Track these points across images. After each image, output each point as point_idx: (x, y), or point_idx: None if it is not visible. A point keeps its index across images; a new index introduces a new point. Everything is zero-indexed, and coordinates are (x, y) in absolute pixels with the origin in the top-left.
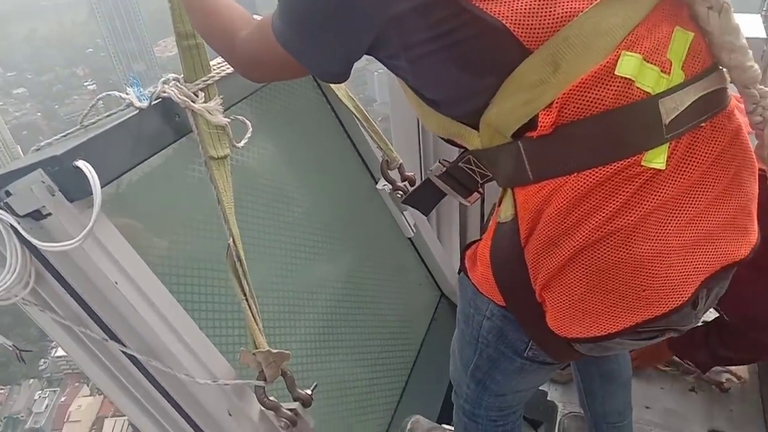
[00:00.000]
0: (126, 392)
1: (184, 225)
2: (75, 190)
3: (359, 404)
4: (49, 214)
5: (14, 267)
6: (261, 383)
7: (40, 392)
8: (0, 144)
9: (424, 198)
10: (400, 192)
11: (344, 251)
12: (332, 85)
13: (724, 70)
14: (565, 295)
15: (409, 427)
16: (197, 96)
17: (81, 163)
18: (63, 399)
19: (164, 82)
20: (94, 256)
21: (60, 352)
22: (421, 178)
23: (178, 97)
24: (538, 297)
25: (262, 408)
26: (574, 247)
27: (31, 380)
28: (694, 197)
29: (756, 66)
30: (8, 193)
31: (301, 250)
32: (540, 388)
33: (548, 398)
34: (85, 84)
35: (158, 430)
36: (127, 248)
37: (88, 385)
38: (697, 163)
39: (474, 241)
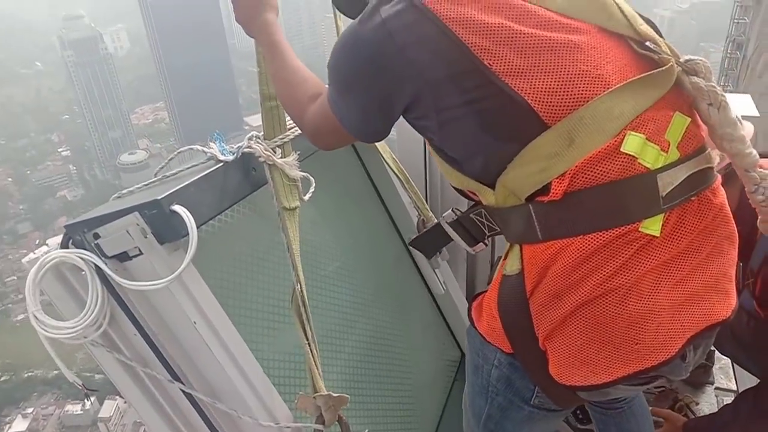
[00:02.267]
0: None
1: (248, 271)
2: (166, 233)
3: None
4: (136, 255)
5: (93, 308)
6: (320, 427)
7: None
8: None
9: (431, 242)
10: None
11: (372, 307)
12: (379, 148)
13: (714, 152)
14: (566, 345)
15: None
16: (275, 152)
17: (178, 208)
18: None
19: (249, 138)
20: (178, 295)
21: (15, 428)
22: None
23: (263, 153)
24: (542, 346)
25: None
26: (576, 301)
27: None
28: (682, 262)
29: (754, 152)
30: (97, 236)
31: (333, 304)
32: None
33: None
34: (60, 150)
35: None
36: (206, 290)
37: None
38: (686, 232)
39: (479, 293)
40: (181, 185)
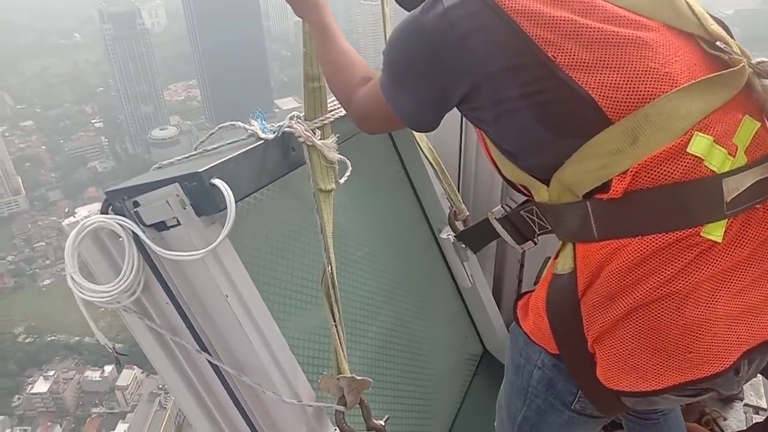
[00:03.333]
0: (202, 406)
1: (281, 250)
2: (205, 206)
3: None
4: (174, 225)
5: (128, 274)
6: (342, 408)
7: (9, 431)
8: (1, 174)
9: (478, 237)
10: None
11: (397, 296)
12: (416, 136)
13: None
14: (616, 349)
15: None
16: (314, 133)
17: (218, 182)
18: None
19: (290, 118)
20: (212, 268)
21: (36, 389)
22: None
23: (303, 133)
24: (590, 348)
25: None
26: (630, 304)
27: (2, 417)
28: (742, 271)
29: None
30: (137, 204)
31: (359, 288)
32: None
33: None
34: (93, 121)
35: None
36: (240, 265)
37: (60, 425)
38: (749, 240)
39: (526, 293)
40: (222, 160)
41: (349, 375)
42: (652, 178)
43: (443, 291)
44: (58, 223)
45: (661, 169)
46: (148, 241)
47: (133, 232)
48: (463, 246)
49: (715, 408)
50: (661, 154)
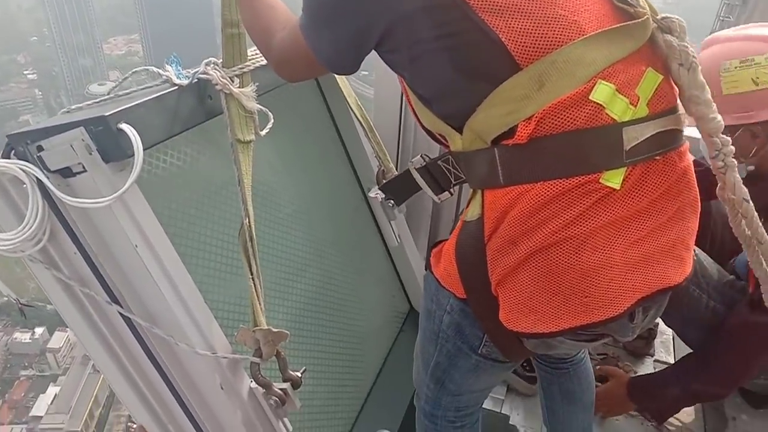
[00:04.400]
0: (115, 359)
1: (197, 202)
2: (112, 151)
3: (324, 404)
4: (80, 172)
5: (32, 222)
6: (257, 360)
7: None
8: None
9: (400, 188)
10: (392, 201)
11: (325, 254)
12: (345, 93)
13: (683, 114)
14: (516, 292)
15: None
16: (233, 81)
17: (125, 126)
18: None
19: (206, 64)
20: (120, 216)
21: None
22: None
23: (219, 80)
24: (494, 291)
25: (252, 385)
26: (530, 248)
27: None
28: (640, 221)
29: (719, 117)
30: (40, 148)
31: (284, 247)
32: (503, 411)
33: (510, 422)
34: (25, 72)
35: (140, 400)
36: (150, 214)
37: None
38: (648, 190)
39: (440, 241)
40: (131, 104)
41: (266, 327)
42: (556, 124)
43: (372, 250)
44: None
45: (565, 115)
46: (52, 187)
47: (36, 177)
48: (390, 204)
49: (627, 362)
50: (565, 100)
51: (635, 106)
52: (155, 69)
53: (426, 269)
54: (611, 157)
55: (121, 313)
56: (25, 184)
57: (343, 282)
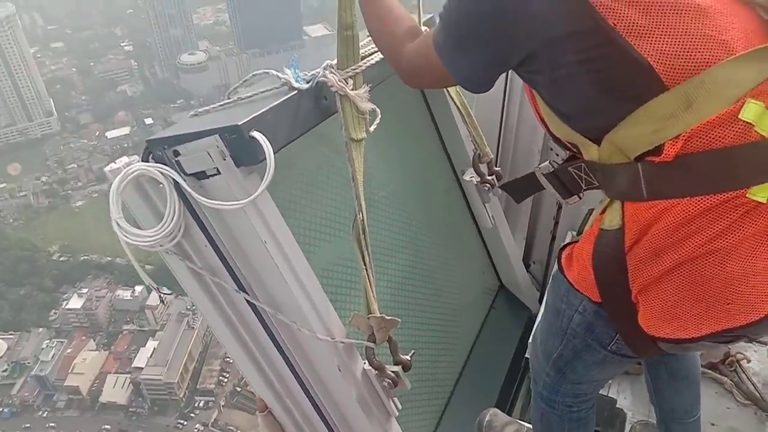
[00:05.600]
0: (241, 343)
1: (314, 198)
2: (244, 157)
3: (422, 378)
4: (214, 175)
5: (170, 220)
6: (372, 344)
7: (47, 342)
8: (34, 95)
9: (522, 188)
10: (487, 185)
11: (418, 234)
12: None
13: None
14: (660, 300)
15: (487, 419)
16: (347, 82)
17: (257, 134)
18: (69, 351)
19: (324, 68)
20: (252, 216)
21: (71, 305)
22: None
23: (337, 83)
24: (634, 298)
25: (366, 367)
26: (676, 260)
27: (41, 329)
28: None
29: None
30: (177, 153)
31: (382, 227)
32: (610, 395)
33: (617, 406)
34: (122, 44)
35: (262, 378)
36: (277, 213)
37: (94, 340)
38: None
39: (569, 243)
40: (260, 111)
41: (379, 315)
42: (704, 143)
43: (464, 230)
44: (89, 146)
45: (713, 134)
46: (189, 189)
47: (174, 180)
48: (486, 188)
49: (739, 350)
50: (713, 120)
51: None
52: (275, 72)
53: (557, 269)
54: (760, 172)
55: (247, 301)
56: (161, 184)
57: (436, 260)
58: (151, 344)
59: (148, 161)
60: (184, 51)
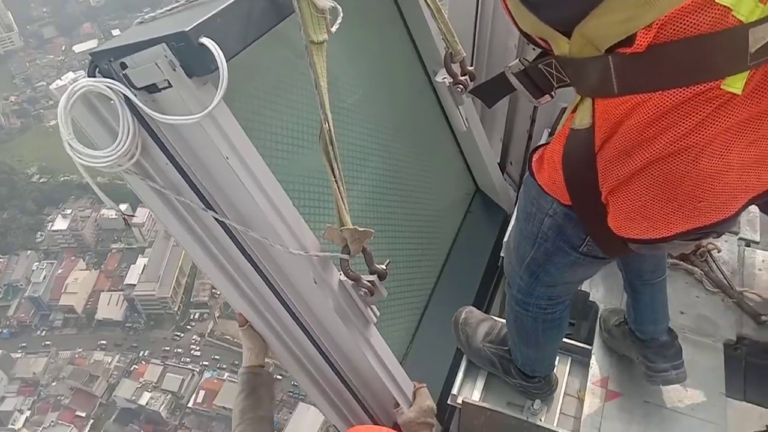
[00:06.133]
0: (215, 261)
1: (276, 107)
2: (195, 66)
3: (401, 283)
4: (165, 87)
5: (125, 139)
6: (346, 256)
7: (37, 263)
8: None
9: (492, 91)
10: (460, 86)
11: (391, 140)
12: None
13: None
14: (630, 201)
15: (463, 316)
16: None
17: (206, 41)
18: (60, 271)
19: None
20: (210, 131)
21: (57, 226)
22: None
23: None
24: (603, 199)
25: (342, 279)
26: (646, 158)
27: (29, 251)
28: (759, 122)
29: None
30: (124, 66)
31: (352, 133)
32: (584, 289)
33: (590, 299)
34: None
35: (239, 294)
36: (237, 126)
37: (84, 260)
38: None
39: (540, 145)
40: (208, 15)
41: (352, 227)
42: (678, 30)
43: (437, 133)
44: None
45: (688, 20)
46: (141, 105)
47: (124, 95)
48: (459, 89)
49: (710, 241)
50: (688, 5)
51: (764, 3)
52: None
53: (527, 173)
54: (735, 62)
55: (216, 218)
56: (112, 100)
57: (409, 165)
58: (141, 261)
59: (95, 76)
60: None
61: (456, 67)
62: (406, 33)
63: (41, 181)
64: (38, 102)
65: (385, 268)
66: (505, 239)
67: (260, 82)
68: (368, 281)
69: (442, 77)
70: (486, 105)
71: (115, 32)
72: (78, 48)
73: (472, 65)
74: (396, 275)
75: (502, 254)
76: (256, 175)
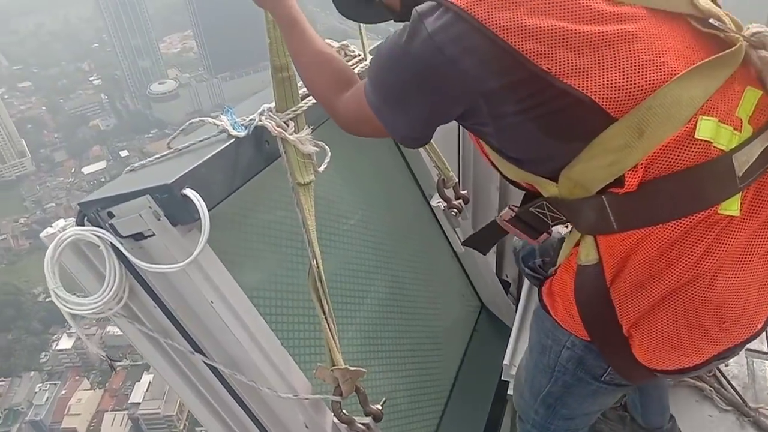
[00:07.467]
0: (206, 403)
1: (266, 247)
2: (179, 215)
3: (405, 413)
4: (151, 235)
5: (112, 284)
6: (338, 398)
7: (40, 385)
8: (5, 137)
9: (485, 239)
10: (455, 210)
11: (391, 263)
12: None
13: None
14: (656, 333)
15: None
16: (288, 125)
17: (189, 192)
18: (63, 392)
19: (260, 114)
20: (194, 277)
21: (61, 346)
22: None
23: (275, 129)
24: (626, 333)
25: (335, 422)
26: (663, 290)
27: (32, 373)
28: (763, 234)
29: None
30: (111, 215)
31: (350, 260)
32: None
33: None
34: (91, 79)
35: None
36: (223, 270)
37: (88, 379)
38: (764, 204)
39: (548, 277)
40: (192, 167)
41: (343, 366)
42: (664, 167)
43: (438, 254)
44: (66, 183)
45: (672, 157)
46: (126, 253)
47: (111, 243)
48: (453, 213)
49: None
50: (669, 143)
51: (740, 131)
52: (211, 120)
53: (539, 305)
54: (726, 187)
55: (204, 362)
56: (100, 247)
57: (411, 288)
58: (146, 378)
59: (83, 224)
60: (154, 80)
61: (449, 192)
62: (402, 159)
63: (47, 300)
64: (47, 223)
65: (380, 408)
66: (513, 372)
67: (251, 222)
68: (362, 424)
69: (436, 201)
70: (481, 253)
71: (123, 153)
72: (87, 170)
73: (462, 188)
74: (403, 399)
75: (509, 393)
76: (242, 318)
